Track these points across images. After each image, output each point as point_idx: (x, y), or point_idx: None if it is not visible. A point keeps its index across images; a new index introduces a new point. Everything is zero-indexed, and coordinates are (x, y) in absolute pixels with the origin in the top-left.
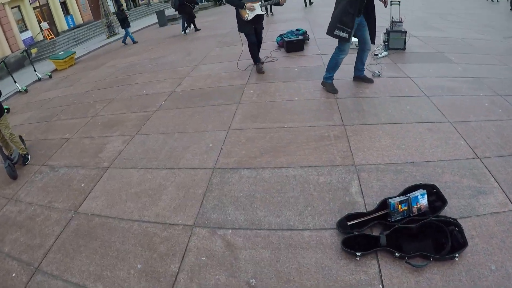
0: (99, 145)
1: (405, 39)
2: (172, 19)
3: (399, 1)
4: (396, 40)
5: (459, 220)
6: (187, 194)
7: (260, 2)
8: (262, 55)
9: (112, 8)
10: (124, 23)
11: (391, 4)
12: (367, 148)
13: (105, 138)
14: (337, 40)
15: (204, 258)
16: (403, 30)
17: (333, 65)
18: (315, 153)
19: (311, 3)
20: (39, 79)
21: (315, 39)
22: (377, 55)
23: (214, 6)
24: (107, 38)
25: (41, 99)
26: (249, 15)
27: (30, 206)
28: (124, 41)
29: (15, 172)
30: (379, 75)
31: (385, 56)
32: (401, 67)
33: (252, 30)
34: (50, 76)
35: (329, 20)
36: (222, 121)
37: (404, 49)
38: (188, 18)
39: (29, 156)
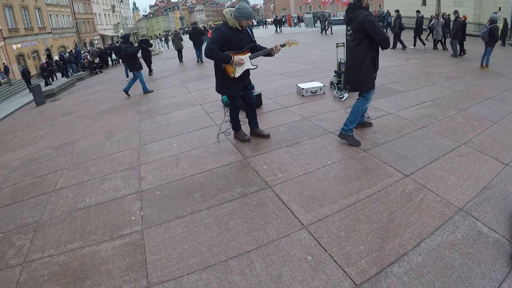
0: None
1: None
2: (51, 95)
3: (344, 43)
4: None
5: None
6: None
7: (249, 54)
8: (216, 118)
9: None
10: (136, 62)
11: (337, 47)
12: (446, 189)
13: None
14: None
15: None
16: None
17: (358, 115)
18: (424, 214)
19: (202, 61)
20: None
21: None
22: (342, 98)
23: (91, 75)
24: None
25: None
26: (236, 71)
27: None
28: (127, 89)
29: None
30: (369, 117)
31: (348, 97)
32: (373, 104)
33: (240, 89)
34: None
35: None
36: (278, 218)
37: None
38: (147, 62)
39: None
